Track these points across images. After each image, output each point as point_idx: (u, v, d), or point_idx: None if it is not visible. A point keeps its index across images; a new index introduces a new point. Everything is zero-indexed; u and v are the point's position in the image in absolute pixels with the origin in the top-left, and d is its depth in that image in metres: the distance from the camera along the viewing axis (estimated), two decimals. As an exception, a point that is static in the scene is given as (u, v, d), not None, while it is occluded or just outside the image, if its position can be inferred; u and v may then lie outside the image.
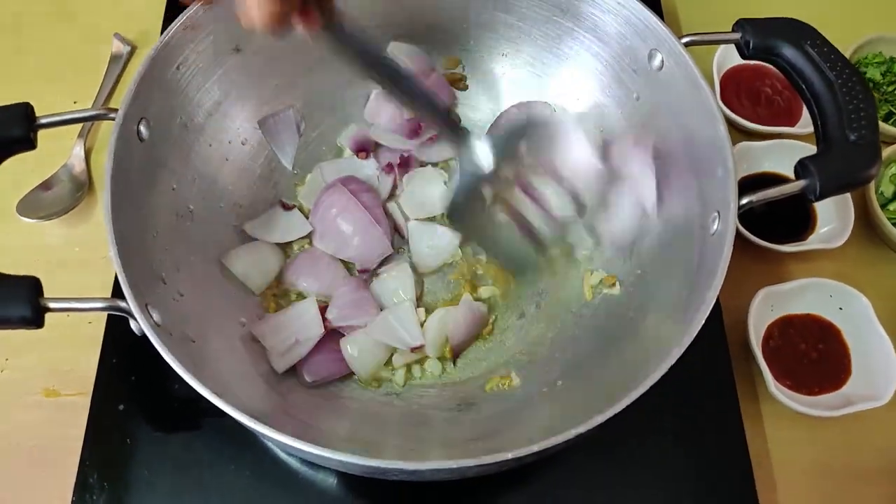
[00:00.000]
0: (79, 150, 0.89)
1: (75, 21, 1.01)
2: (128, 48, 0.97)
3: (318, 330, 0.71)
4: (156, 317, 0.58)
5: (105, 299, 0.57)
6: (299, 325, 0.72)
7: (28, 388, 0.76)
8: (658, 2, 0.96)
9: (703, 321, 0.55)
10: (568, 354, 0.73)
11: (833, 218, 0.83)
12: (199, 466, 0.70)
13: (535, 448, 0.50)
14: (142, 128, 0.66)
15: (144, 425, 0.72)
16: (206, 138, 0.75)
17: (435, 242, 0.78)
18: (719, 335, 0.76)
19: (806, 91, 0.64)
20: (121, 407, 0.73)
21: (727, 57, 0.93)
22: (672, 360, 0.53)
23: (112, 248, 0.57)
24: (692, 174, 0.68)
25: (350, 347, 0.71)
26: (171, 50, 0.68)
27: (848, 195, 0.82)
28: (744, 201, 0.60)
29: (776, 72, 0.91)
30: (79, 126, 0.90)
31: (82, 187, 0.86)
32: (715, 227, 0.62)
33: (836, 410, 0.71)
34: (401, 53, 0.81)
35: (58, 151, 0.88)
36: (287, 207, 0.80)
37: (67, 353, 0.78)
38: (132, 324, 0.56)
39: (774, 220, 0.83)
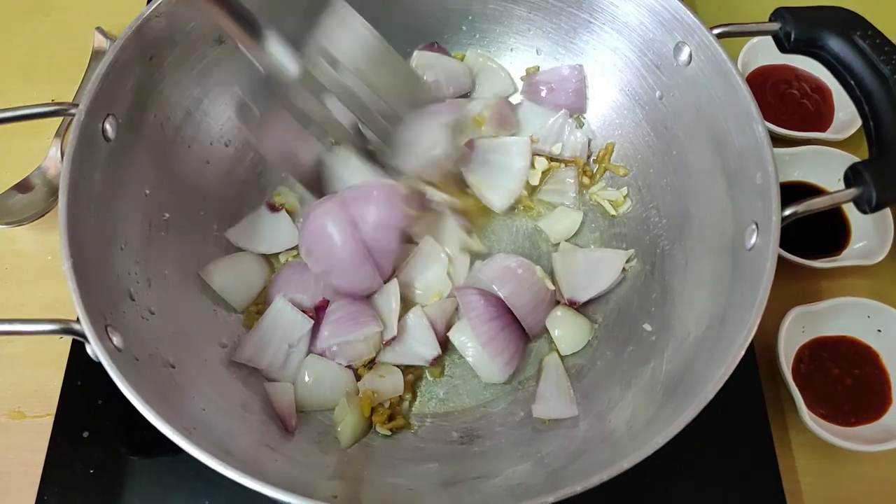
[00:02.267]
0: (55, 152, 0.84)
1: (52, 14, 0.96)
2: (110, 43, 0.91)
3: (305, 325, 0.66)
4: (116, 340, 0.52)
5: (57, 321, 0.51)
6: (283, 330, 0.66)
7: (-9, 409, 0.71)
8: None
9: (741, 355, 0.49)
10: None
11: (870, 232, 0.77)
12: (170, 501, 0.64)
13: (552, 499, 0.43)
14: (108, 126, 0.60)
15: (110, 454, 0.66)
16: (185, 139, 0.69)
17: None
18: (750, 361, 0.70)
19: (855, 88, 0.57)
20: (85, 434, 0.67)
21: (752, 56, 0.87)
22: (703, 403, 0.48)
23: (66, 262, 0.51)
24: (723, 180, 0.62)
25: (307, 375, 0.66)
26: (142, 39, 0.62)
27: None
28: (787, 212, 0.54)
29: (805, 73, 0.88)
30: (55, 125, 0.85)
31: (57, 191, 0.80)
32: (753, 240, 0.56)
33: (877, 445, 0.66)
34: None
35: (34, 152, 0.83)
36: (274, 209, 0.74)
37: (36, 371, 0.73)
38: (88, 349, 0.50)
39: (806, 233, 0.77)
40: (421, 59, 0.77)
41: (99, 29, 0.92)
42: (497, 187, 0.74)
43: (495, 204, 0.73)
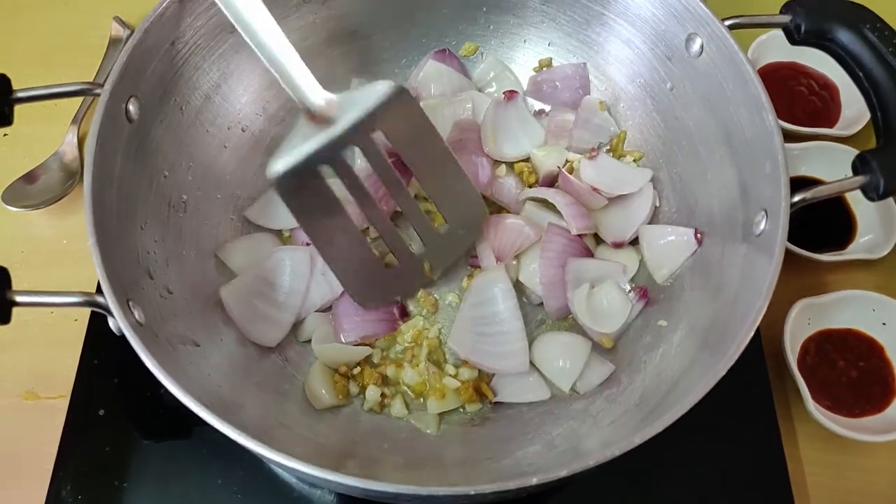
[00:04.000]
0: (71, 138, 0.85)
1: (71, 3, 0.97)
2: (128, 32, 0.92)
3: (305, 275, 0.66)
4: (138, 315, 0.53)
5: (81, 293, 0.51)
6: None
7: (5, 391, 0.71)
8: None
9: (748, 341, 0.49)
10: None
11: (875, 226, 0.78)
12: (184, 480, 0.65)
13: (564, 473, 0.44)
14: (131, 107, 0.60)
15: (126, 432, 0.67)
16: (203, 123, 0.70)
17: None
18: (757, 350, 0.70)
19: (864, 79, 0.58)
20: (101, 412, 0.68)
21: (761, 53, 0.88)
22: (707, 388, 0.48)
23: (91, 238, 0.52)
24: (734, 169, 0.63)
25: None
26: (165, 23, 0.63)
27: (892, 202, 0.76)
28: (796, 198, 0.54)
29: (813, 70, 0.89)
30: (73, 111, 0.86)
31: (73, 176, 0.82)
32: (762, 227, 0.57)
33: (881, 435, 0.66)
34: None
35: (51, 138, 0.84)
36: None
37: (50, 352, 0.73)
38: (111, 322, 0.51)
39: (811, 226, 0.77)
40: (431, 69, 0.78)
41: (116, 18, 0.93)
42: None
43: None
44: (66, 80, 0.71)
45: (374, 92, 0.62)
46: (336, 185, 0.64)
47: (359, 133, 0.62)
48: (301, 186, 0.61)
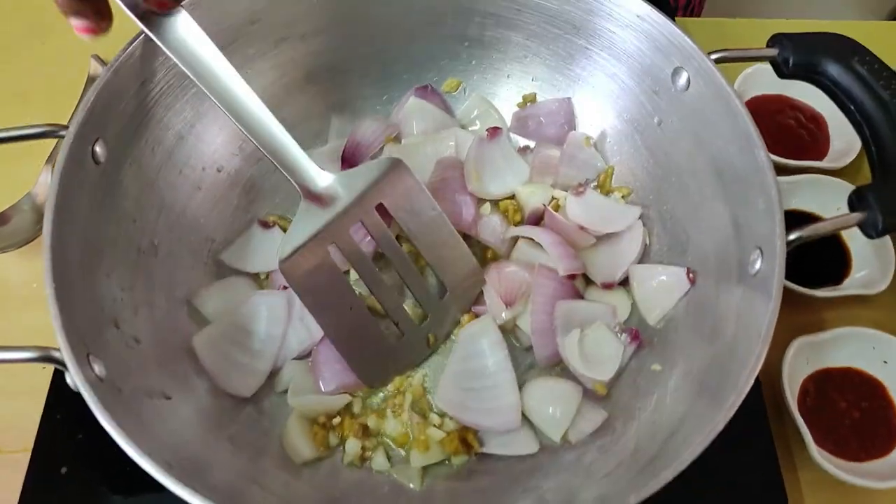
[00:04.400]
0: (45, 178, 0.82)
1: (49, 40, 0.95)
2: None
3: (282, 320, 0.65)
4: (98, 369, 0.50)
5: (35, 348, 0.49)
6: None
7: (-35, 444, 0.68)
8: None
9: (748, 390, 0.47)
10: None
11: (871, 261, 0.76)
12: (154, 541, 0.61)
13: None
14: (97, 148, 0.58)
15: (89, 491, 0.63)
16: (176, 164, 0.68)
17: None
18: (755, 393, 0.68)
19: (855, 113, 0.57)
20: (63, 469, 0.64)
21: (747, 86, 0.87)
22: (705, 443, 0.46)
23: (49, 288, 0.49)
24: (726, 205, 0.61)
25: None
26: (135, 62, 0.61)
27: (887, 237, 0.74)
28: (792, 237, 0.52)
29: (800, 102, 0.88)
30: (47, 151, 0.83)
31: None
32: (757, 266, 0.55)
33: (887, 482, 0.64)
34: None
35: (23, 178, 0.81)
36: (266, 226, 0.73)
37: (14, 403, 0.70)
38: (67, 378, 0.48)
39: (806, 263, 0.75)
40: (412, 105, 0.77)
41: (95, 56, 0.91)
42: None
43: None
44: (43, 119, 0.70)
45: (372, 168, 0.63)
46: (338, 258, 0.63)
47: (360, 209, 0.62)
48: (308, 268, 0.61)
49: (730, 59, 0.62)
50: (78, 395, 0.49)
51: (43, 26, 0.96)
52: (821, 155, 0.84)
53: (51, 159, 0.83)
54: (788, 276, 0.71)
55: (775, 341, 0.66)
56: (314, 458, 0.62)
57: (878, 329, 0.70)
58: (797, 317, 0.74)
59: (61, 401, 0.67)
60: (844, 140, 0.83)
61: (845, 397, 0.69)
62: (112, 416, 0.46)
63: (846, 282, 0.76)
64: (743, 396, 0.47)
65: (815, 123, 0.86)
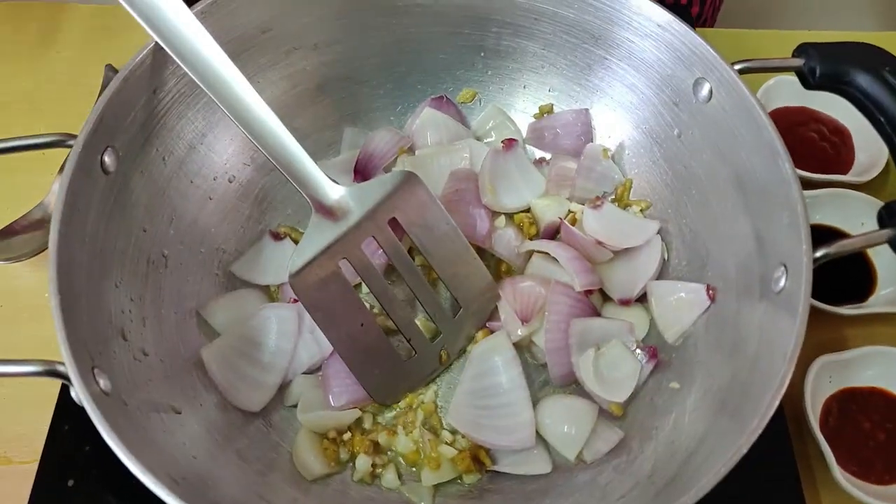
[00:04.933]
0: (57, 188, 0.81)
1: (62, 50, 0.95)
2: (118, 79, 0.90)
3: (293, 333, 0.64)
4: (103, 383, 0.49)
5: (40, 362, 0.48)
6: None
7: (-25, 454, 0.68)
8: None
9: (772, 413, 0.45)
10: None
11: (897, 278, 0.74)
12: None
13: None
14: (107, 158, 0.57)
15: (97, 504, 0.62)
16: (187, 174, 0.67)
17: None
18: (778, 415, 0.65)
19: (885, 125, 0.55)
20: (70, 482, 0.63)
21: (769, 98, 0.85)
22: (727, 468, 0.44)
23: (54, 299, 0.49)
24: (748, 220, 0.59)
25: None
26: (146, 71, 0.60)
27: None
28: (818, 253, 0.50)
29: (823, 115, 0.86)
30: (60, 160, 0.83)
31: (56, 228, 0.78)
32: (782, 283, 0.53)
33: (913, 505, 0.62)
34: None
35: (37, 188, 0.81)
36: (278, 237, 0.72)
37: (25, 413, 0.69)
38: (72, 392, 0.47)
39: (829, 279, 0.73)
40: (427, 116, 0.76)
41: (108, 66, 0.91)
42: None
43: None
44: (55, 127, 0.70)
45: (385, 181, 0.62)
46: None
47: (372, 223, 0.61)
48: (318, 283, 0.60)
49: (754, 70, 0.60)
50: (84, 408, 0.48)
51: (56, 36, 0.96)
52: (845, 169, 0.82)
53: (63, 169, 0.83)
54: (812, 293, 0.70)
55: (798, 359, 0.65)
56: (324, 473, 0.61)
57: (902, 348, 0.68)
58: (820, 334, 0.72)
59: (69, 412, 0.66)
60: (869, 154, 0.81)
61: (869, 418, 0.68)
62: (116, 430, 0.45)
63: (871, 299, 0.74)
64: (767, 420, 0.45)
65: (839, 136, 0.84)
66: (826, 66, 0.58)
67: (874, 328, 0.73)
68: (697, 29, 0.91)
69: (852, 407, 0.68)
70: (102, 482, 0.64)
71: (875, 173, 0.79)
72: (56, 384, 0.69)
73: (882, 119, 0.56)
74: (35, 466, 0.65)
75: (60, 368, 0.47)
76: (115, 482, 0.64)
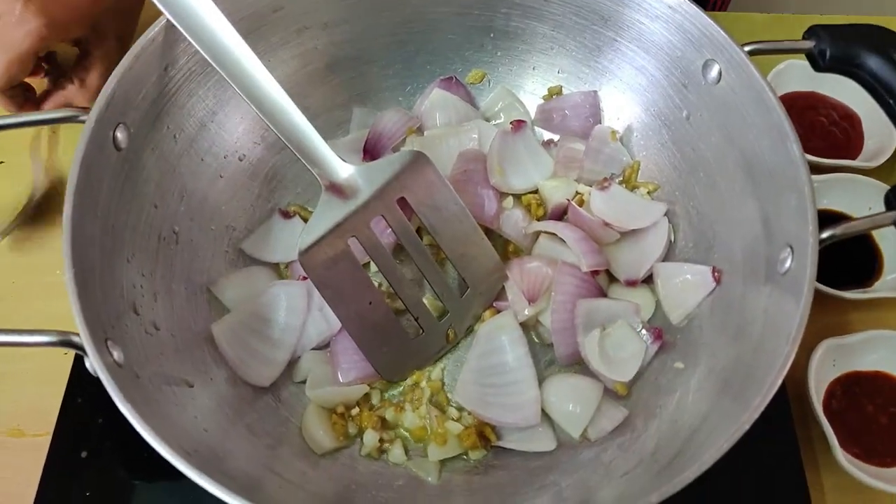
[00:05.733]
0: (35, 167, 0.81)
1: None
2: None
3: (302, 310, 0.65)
4: (117, 355, 0.50)
5: (55, 332, 0.49)
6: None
7: (-10, 427, 0.69)
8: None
9: (774, 391, 0.46)
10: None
11: (903, 263, 0.74)
12: (170, 528, 0.61)
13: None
14: (119, 134, 0.58)
15: (108, 475, 0.64)
16: (198, 151, 0.68)
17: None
18: (780, 394, 0.66)
19: (894, 106, 0.54)
20: (83, 454, 0.65)
21: (779, 82, 0.85)
22: (729, 444, 0.45)
23: (68, 272, 0.50)
24: (755, 202, 0.60)
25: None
26: (157, 48, 0.60)
27: (919, 238, 0.73)
28: (825, 234, 0.51)
29: (833, 100, 0.86)
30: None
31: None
32: (787, 264, 0.53)
33: (916, 487, 0.62)
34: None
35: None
36: (287, 216, 0.73)
37: (38, 388, 0.71)
38: (86, 362, 0.48)
39: (835, 263, 0.73)
40: (437, 97, 0.76)
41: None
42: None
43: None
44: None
45: (394, 161, 0.62)
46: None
47: (381, 202, 0.62)
48: (327, 260, 0.61)
49: (764, 52, 0.60)
50: (98, 381, 0.49)
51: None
52: (854, 154, 0.82)
53: (35, 148, 0.82)
54: (818, 277, 0.70)
55: (802, 342, 0.65)
56: (333, 448, 0.62)
57: (907, 333, 0.68)
58: (825, 318, 0.73)
59: (82, 386, 0.68)
60: (878, 139, 0.81)
61: (873, 401, 0.68)
62: (130, 401, 0.46)
63: (877, 284, 0.75)
64: (769, 398, 0.46)
65: (849, 122, 0.84)
66: (836, 48, 0.58)
67: (879, 313, 0.74)
68: (708, 12, 0.91)
69: (856, 390, 0.68)
70: (115, 453, 0.65)
71: (884, 159, 0.79)
72: (67, 360, 0.70)
73: (891, 101, 0.56)
74: (46, 440, 0.66)
75: (75, 339, 0.48)
76: (127, 453, 0.65)
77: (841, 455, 0.63)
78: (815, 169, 0.78)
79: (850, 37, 0.58)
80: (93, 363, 0.47)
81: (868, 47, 0.57)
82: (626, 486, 0.53)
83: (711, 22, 0.61)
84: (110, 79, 0.57)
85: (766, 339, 0.52)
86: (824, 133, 0.84)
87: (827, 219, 0.76)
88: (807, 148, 0.79)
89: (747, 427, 0.45)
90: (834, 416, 0.66)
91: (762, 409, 0.45)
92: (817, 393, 0.66)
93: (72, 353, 0.70)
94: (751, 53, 0.59)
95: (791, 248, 0.53)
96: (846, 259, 0.75)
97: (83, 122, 0.55)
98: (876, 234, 0.77)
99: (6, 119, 0.54)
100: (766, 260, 0.57)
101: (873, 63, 0.56)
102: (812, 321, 0.70)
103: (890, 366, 0.69)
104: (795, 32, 0.63)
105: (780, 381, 0.47)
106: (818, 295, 0.70)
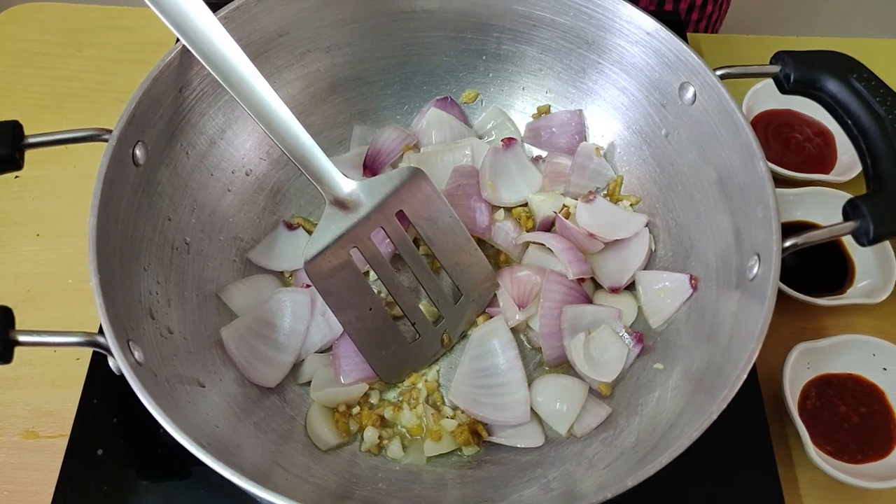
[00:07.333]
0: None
1: (85, 49, 1.00)
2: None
3: (305, 316, 0.68)
4: (138, 355, 0.54)
5: (82, 333, 0.52)
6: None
7: (6, 429, 0.71)
8: (684, 38, 0.93)
9: (740, 384, 0.50)
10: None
11: (873, 271, 0.78)
12: (181, 522, 0.64)
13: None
14: (137, 151, 0.62)
15: (124, 472, 0.67)
16: (208, 167, 0.72)
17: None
18: (754, 394, 0.70)
19: (852, 127, 0.59)
20: (99, 451, 0.67)
21: (756, 101, 0.89)
22: (699, 431, 0.48)
23: (94, 278, 0.53)
24: (728, 214, 0.63)
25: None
26: (173, 71, 0.65)
27: (889, 247, 0.76)
28: (787, 243, 0.55)
29: (807, 118, 0.90)
30: (82, 155, 0.87)
31: None
32: (755, 271, 0.57)
33: (884, 482, 0.65)
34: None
35: (61, 180, 0.86)
36: (291, 227, 0.76)
37: (51, 391, 0.73)
38: (111, 362, 0.51)
39: (809, 272, 0.78)
40: (433, 116, 0.80)
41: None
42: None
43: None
44: (78, 123, 0.74)
45: (393, 176, 0.66)
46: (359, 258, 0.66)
47: (381, 215, 0.65)
48: (331, 269, 0.64)
49: (734, 76, 0.64)
50: (114, 382, 0.52)
51: (78, 37, 1.00)
52: (828, 168, 0.86)
53: None
54: (793, 284, 0.74)
55: (778, 346, 0.70)
56: (336, 444, 0.65)
57: (878, 337, 0.71)
58: (800, 323, 0.76)
59: (98, 387, 0.70)
60: (851, 154, 0.84)
61: (845, 402, 0.71)
62: (152, 397, 0.49)
63: (849, 291, 0.78)
64: (735, 390, 0.49)
65: (823, 138, 0.88)
66: (799, 72, 0.61)
67: (851, 318, 0.77)
68: (691, 34, 0.96)
69: (829, 391, 0.71)
70: (128, 451, 0.68)
71: (855, 173, 0.82)
72: (77, 365, 0.73)
73: (849, 122, 0.59)
74: (60, 441, 0.69)
75: (101, 340, 0.51)
76: (141, 450, 0.68)
77: (813, 452, 0.65)
78: (791, 183, 0.83)
79: (813, 62, 0.61)
80: (117, 362, 0.50)
81: (829, 72, 0.60)
82: (607, 477, 0.57)
83: (685, 47, 0.65)
84: (130, 100, 0.61)
85: (735, 340, 0.56)
86: (799, 149, 0.87)
87: (801, 229, 0.79)
88: (783, 163, 0.84)
89: (716, 416, 0.48)
90: (808, 416, 0.69)
91: (729, 399, 0.49)
92: (792, 394, 0.69)
93: (84, 360, 0.73)
94: (722, 77, 0.63)
95: (758, 255, 0.57)
96: (820, 268, 0.79)
97: (106, 140, 0.59)
98: (848, 243, 0.80)
99: (36, 137, 0.58)
100: (737, 268, 0.60)
101: (833, 86, 0.60)
102: (787, 326, 0.74)
103: (861, 368, 0.72)
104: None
105: (745, 374, 0.50)
106: (793, 301, 0.74)
